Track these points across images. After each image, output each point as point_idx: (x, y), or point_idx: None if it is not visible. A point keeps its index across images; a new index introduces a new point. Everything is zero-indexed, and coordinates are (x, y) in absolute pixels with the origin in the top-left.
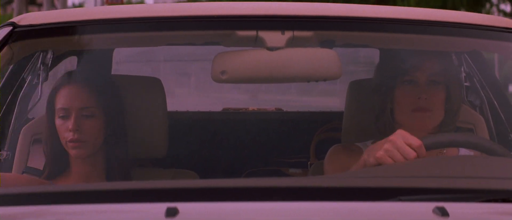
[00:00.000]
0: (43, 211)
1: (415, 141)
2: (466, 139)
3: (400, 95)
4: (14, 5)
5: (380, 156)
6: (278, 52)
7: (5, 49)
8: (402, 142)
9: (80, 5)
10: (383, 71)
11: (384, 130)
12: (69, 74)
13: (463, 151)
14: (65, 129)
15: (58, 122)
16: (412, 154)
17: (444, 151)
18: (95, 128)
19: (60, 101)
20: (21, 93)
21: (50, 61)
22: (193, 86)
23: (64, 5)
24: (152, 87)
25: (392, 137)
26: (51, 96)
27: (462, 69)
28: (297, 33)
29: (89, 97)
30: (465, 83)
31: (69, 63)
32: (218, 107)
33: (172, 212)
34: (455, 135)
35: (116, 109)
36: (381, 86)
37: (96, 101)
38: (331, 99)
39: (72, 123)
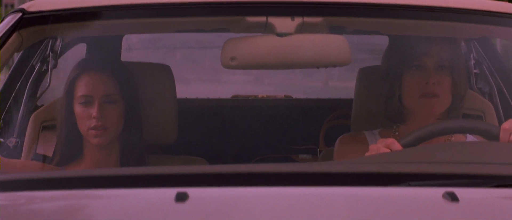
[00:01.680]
0: (54, 196)
1: (388, 140)
2: (444, 126)
3: (408, 80)
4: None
5: None
6: (288, 38)
7: (14, 35)
8: (378, 145)
9: None
10: (391, 57)
11: (393, 117)
12: (87, 61)
13: (471, 137)
14: (88, 116)
15: (78, 108)
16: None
17: (452, 138)
18: (117, 114)
19: (82, 89)
20: (30, 80)
21: (59, 48)
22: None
23: None
24: (162, 74)
25: (371, 146)
26: (71, 84)
27: (472, 56)
28: (307, 19)
29: (111, 84)
30: (474, 70)
31: (78, 50)
32: (227, 95)
33: (182, 196)
34: (432, 126)
35: (134, 96)
36: (389, 72)
37: (118, 88)
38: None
39: (96, 110)
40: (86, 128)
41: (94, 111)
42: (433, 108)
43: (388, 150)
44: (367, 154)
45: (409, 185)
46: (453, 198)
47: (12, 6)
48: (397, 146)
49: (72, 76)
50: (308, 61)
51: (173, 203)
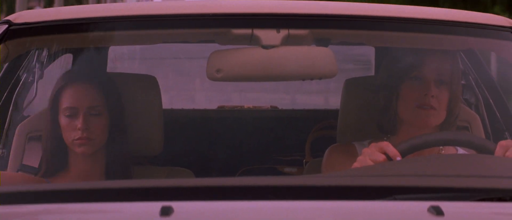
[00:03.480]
0: (38, 210)
1: (382, 143)
2: (439, 137)
3: (406, 91)
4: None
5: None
6: (273, 51)
7: (0, 47)
8: (372, 149)
9: None
10: (389, 68)
11: (386, 128)
12: (72, 72)
13: (461, 150)
14: (72, 128)
15: (63, 120)
16: (381, 157)
17: (443, 150)
18: (101, 126)
19: (67, 101)
20: (16, 91)
21: (45, 59)
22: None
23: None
24: (148, 85)
25: (364, 149)
26: (56, 95)
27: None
28: (293, 31)
29: (96, 96)
30: (461, 82)
31: (64, 61)
32: (213, 105)
33: (166, 211)
34: (428, 135)
35: (119, 107)
36: (386, 83)
37: (102, 100)
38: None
39: (81, 122)
40: (70, 139)
41: (79, 123)
42: (429, 120)
43: (381, 154)
44: (359, 157)
45: (395, 199)
46: (438, 212)
47: None
48: (391, 149)
49: (57, 88)
50: (294, 74)
51: (158, 217)
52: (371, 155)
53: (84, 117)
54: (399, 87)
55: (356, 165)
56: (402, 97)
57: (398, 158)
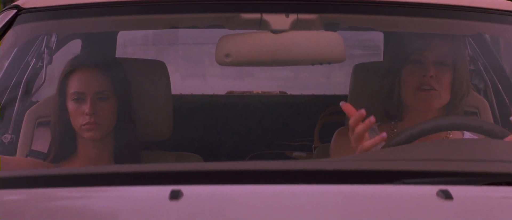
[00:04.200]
0: (47, 194)
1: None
2: (435, 123)
3: (406, 74)
4: None
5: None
6: (282, 35)
7: (9, 32)
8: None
9: None
10: (393, 53)
11: (392, 113)
12: (80, 57)
13: (468, 134)
14: (80, 113)
15: (71, 105)
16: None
17: (450, 135)
18: (109, 110)
19: (74, 85)
20: (25, 77)
21: (54, 45)
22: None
23: None
24: (157, 70)
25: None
26: (63, 80)
27: (466, 52)
28: (302, 16)
29: (103, 80)
30: (470, 67)
31: (73, 46)
32: (222, 91)
33: (176, 194)
34: (425, 123)
35: (127, 92)
36: (390, 68)
37: (110, 85)
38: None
39: (89, 107)
40: (78, 124)
41: (86, 108)
42: (430, 102)
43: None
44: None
45: (404, 183)
46: (447, 196)
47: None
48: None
49: (65, 73)
50: (302, 58)
51: (167, 200)
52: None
53: (91, 102)
54: (401, 72)
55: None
56: (403, 81)
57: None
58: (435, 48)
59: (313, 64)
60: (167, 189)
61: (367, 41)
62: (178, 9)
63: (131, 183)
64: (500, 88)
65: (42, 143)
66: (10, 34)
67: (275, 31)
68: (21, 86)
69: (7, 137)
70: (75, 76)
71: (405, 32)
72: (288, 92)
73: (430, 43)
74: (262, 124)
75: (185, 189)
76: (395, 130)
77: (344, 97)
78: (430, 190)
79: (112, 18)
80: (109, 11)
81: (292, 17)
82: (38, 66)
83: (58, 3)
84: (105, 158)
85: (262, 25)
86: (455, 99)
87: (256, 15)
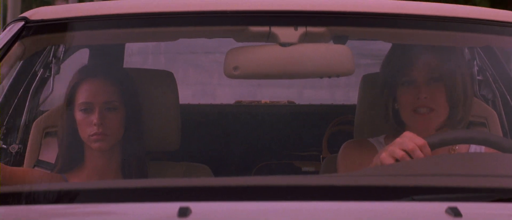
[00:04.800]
0: (53, 211)
1: (420, 140)
2: (470, 136)
3: (401, 96)
4: None
5: (383, 158)
6: (291, 48)
7: (17, 44)
8: (413, 144)
9: None
10: (387, 69)
11: (392, 129)
12: (88, 68)
13: (474, 148)
14: (88, 123)
15: (79, 116)
16: (417, 152)
17: (456, 148)
18: (117, 121)
19: (82, 96)
20: (32, 87)
21: (62, 54)
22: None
23: None
24: (165, 80)
25: (398, 139)
26: (72, 91)
27: (475, 63)
28: (310, 29)
29: (111, 91)
30: (478, 77)
31: (81, 57)
32: (230, 100)
33: (184, 211)
34: (459, 132)
35: (135, 102)
36: (386, 84)
37: (118, 95)
38: None
39: (97, 117)
40: (86, 134)
41: (94, 118)
42: (428, 123)
43: (420, 152)
44: (390, 147)
45: (412, 200)
46: (456, 213)
47: None
48: (427, 150)
49: (73, 83)
50: (311, 71)
51: (175, 218)
52: (411, 150)
53: (99, 112)
54: (396, 92)
55: (392, 147)
56: (400, 102)
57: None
58: (425, 66)
59: (321, 77)
60: (175, 206)
61: (375, 50)
62: (186, 22)
63: (139, 199)
64: (509, 99)
65: (50, 153)
66: (17, 46)
67: (283, 44)
68: (29, 96)
69: (14, 147)
70: (83, 87)
71: (403, 45)
72: (296, 102)
73: (420, 61)
74: (270, 134)
75: (193, 205)
76: None
77: (352, 108)
78: (439, 207)
79: (119, 30)
80: (117, 23)
81: (301, 30)
82: (45, 76)
83: (65, 15)
84: (112, 168)
85: (270, 38)
86: (454, 110)
87: (265, 28)
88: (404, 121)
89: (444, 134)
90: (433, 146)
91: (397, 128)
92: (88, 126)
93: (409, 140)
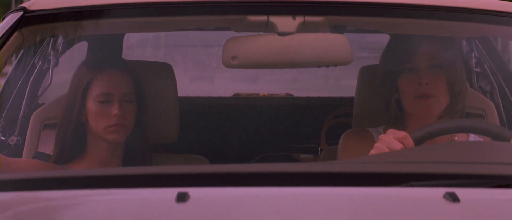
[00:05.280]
0: (55, 196)
1: (400, 133)
2: (457, 125)
3: (403, 83)
4: None
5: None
6: (289, 38)
7: (15, 34)
8: (390, 137)
9: None
10: (387, 60)
11: (393, 119)
12: (103, 59)
13: (473, 137)
14: (106, 114)
15: (95, 107)
16: (398, 146)
17: (456, 137)
18: (133, 113)
19: (100, 87)
20: (31, 79)
21: (60, 47)
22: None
23: None
24: (163, 72)
25: (381, 136)
26: (86, 82)
27: (473, 54)
28: (308, 18)
29: (129, 83)
30: (476, 69)
31: (79, 48)
32: (228, 93)
33: (182, 197)
34: (445, 122)
35: (143, 95)
36: (387, 75)
37: (133, 87)
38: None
39: (117, 108)
40: (103, 125)
41: (114, 109)
42: (429, 109)
43: (399, 143)
44: (376, 144)
45: (410, 185)
46: (454, 198)
47: None
48: (409, 142)
49: (85, 74)
50: (309, 61)
51: (174, 203)
52: (389, 143)
53: (119, 104)
54: (398, 80)
55: (373, 152)
56: (401, 90)
57: None
58: (426, 53)
59: (319, 67)
60: (174, 192)
61: (372, 43)
62: (185, 11)
63: (138, 185)
64: (507, 90)
65: (48, 145)
66: (16, 36)
67: (281, 34)
68: (27, 88)
69: (13, 139)
70: (100, 78)
71: (397, 37)
72: (295, 95)
73: (420, 48)
74: (269, 126)
75: (192, 191)
76: None
77: (350, 100)
78: (437, 193)
79: (118, 20)
80: (115, 13)
81: (299, 19)
82: (44, 68)
83: (64, 5)
84: (114, 161)
85: (268, 28)
86: (454, 99)
87: (263, 18)
88: (406, 108)
89: (428, 126)
90: (419, 141)
91: (399, 117)
92: (106, 117)
93: (391, 134)
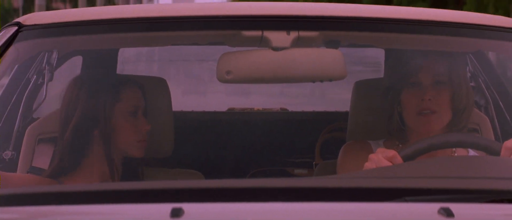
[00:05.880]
0: (48, 212)
1: (390, 152)
2: (444, 140)
3: (405, 98)
4: None
5: None
6: (283, 53)
7: (10, 49)
8: (379, 156)
9: None
10: (391, 73)
11: (394, 134)
12: (125, 75)
13: (472, 152)
14: (136, 128)
15: (125, 120)
16: (386, 164)
17: (455, 153)
18: (149, 127)
19: (129, 102)
20: (26, 93)
21: (55, 61)
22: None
23: None
24: (158, 87)
25: (371, 155)
26: (112, 96)
27: (467, 69)
28: (303, 33)
29: (142, 97)
30: (470, 84)
31: (74, 63)
32: (223, 108)
33: (177, 212)
34: (432, 138)
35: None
36: (389, 89)
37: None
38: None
39: (147, 123)
40: (132, 140)
41: (145, 124)
42: (431, 125)
43: (388, 163)
44: (366, 163)
45: (405, 201)
46: (448, 213)
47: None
48: (398, 160)
49: (111, 87)
50: (303, 76)
51: (168, 218)
52: (378, 162)
53: (144, 118)
54: (400, 95)
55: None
56: (404, 105)
57: None
58: (431, 69)
59: (314, 82)
60: (168, 207)
61: (367, 58)
62: (179, 27)
63: (132, 201)
64: (501, 105)
65: (43, 160)
66: (11, 51)
67: (276, 49)
68: (22, 103)
69: (8, 154)
70: (128, 91)
71: (405, 50)
72: (289, 109)
73: (425, 64)
74: (263, 141)
75: (186, 206)
76: (400, 146)
77: (345, 114)
78: (431, 208)
79: (112, 35)
80: (110, 28)
81: (293, 34)
82: (39, 83)
83: (59, 20)
84: (109, 175)
85: (263, 43)
86: (456, 116)
87: (257, 33)
88: (407, 123)
89: (417, 143)
90: (408, 159)
91: (401, 131)
92: (136, 132)
93: (380, 153)
